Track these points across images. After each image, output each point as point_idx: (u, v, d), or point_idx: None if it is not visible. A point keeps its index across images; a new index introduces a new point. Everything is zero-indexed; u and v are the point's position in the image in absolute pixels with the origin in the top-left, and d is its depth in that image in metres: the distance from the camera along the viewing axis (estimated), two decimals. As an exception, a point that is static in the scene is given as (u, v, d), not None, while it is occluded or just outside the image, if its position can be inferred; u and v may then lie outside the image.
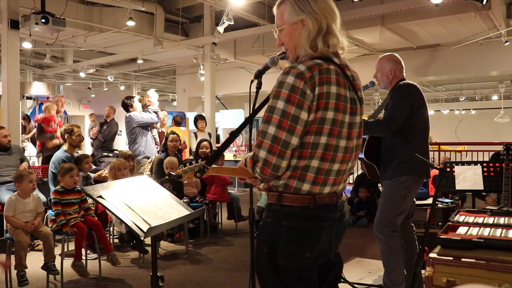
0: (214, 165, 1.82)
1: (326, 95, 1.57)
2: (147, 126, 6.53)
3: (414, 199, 3.36)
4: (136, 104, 6.62)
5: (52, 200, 4.07)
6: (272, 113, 1.57)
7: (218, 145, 8.92)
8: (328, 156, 1.60)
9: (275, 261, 1.63)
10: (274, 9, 1.75)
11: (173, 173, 1.87)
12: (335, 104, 1.59)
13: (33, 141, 8.32)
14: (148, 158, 6.23)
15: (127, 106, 6.55)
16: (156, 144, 6.82)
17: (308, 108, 1.55)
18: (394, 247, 3.11)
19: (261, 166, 1.61)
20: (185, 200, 5.18)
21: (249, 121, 1.96)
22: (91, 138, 9.20)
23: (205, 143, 6.19)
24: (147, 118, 6.46)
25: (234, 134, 1.91)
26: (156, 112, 6.97)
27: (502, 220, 2.45)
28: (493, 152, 5.50)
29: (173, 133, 6.09)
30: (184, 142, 7.78)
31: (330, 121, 1.58)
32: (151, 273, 2.30)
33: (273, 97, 1.59)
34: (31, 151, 8.44)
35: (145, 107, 6.86)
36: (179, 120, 8.53)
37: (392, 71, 3.24)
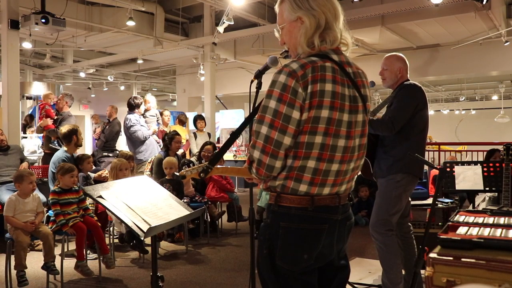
0: (218, 166, 1.82)
1: (320, 93, 1.53)
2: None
3: (410, 199, 3.37)
4: (142, 107, 6.73)
5: (50, 201, 4.07)
6: (264, 113, 1.56)
7: (219, 145, 8.93)
8: (325, 156, 1.56)
9: (274, 262, 1.62)
10: (276, 8, 1.73)
11: (177, 173, 1.88)
12: (330, 102, 1.54)
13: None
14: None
15: (133, 107, 6.58)
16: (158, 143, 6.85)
17: (300, 107, 1.52)
18: (391, 246, 3.11)
19: (256, 167, 1.60)
20: (185, 200, 5.18)
21: (249, 121, 1.95)
22: (95, 139, 9.27)
23: (208, 146, 6.17)
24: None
25: (234, 135, 1.91)
26: (157, 119, 7.06)
27: (502, 220, 2.45)
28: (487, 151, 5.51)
29: (177, 133, 6.05)
30: (187, 141, 7.79)
31: (325, 120, 1.54)
32: (151, 273, 2.30)
33: (266, 97, 1.58)
34: (36, 141, 8.46)
35: (145, 111, 6.92)
36: (183, 119, 8.58)
37: (400, 70, 3.26)
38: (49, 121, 6.73)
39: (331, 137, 1.56)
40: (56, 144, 6.60)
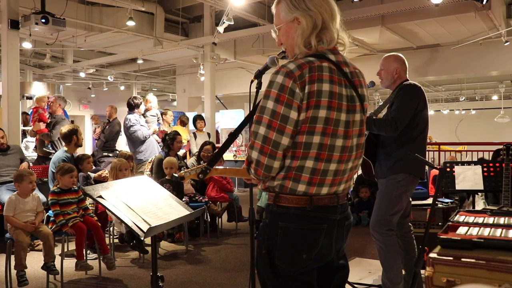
0: (217, 167, 1.82)
1: (318, 93, 1.54)
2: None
3: (410, 199, 3.37)
4: (141, 107, 6.76)
5: (50, 201, 4.07)
6: (262, 113, 1.56)
7: (219, 145, 8.95)
8: (323, 156, 1.57)
9: (273, 262, 1.62)
10: (273, 8, 1.73)
11: (176, 175, 1.88)
12: (327, 102, 1.55)
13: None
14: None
15: (133, 107, 6.60)
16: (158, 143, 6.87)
17: (298, 107, 1.53)
18: (391, 246, 3.11)
19: (254, 167, 1.60)
20: (183, 200, 5.18)
21: (248, 121, 1.95)
22: (95, 139, 9.31)
23: (207, 146, 6.17)
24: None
25: (233, 135, 1.91)
26: (158, 119, 7.09)
27: (502, 220, 2.45)
28: (493, 151, 5.49)
29: (178, 134, 6.05)
30: (188, 142, 7.81)
31: (323, 120, 1.55)
32: (151, 273, 2.30)
33: (263, 97, 1.58)
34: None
35: (145, 111, 6.95)
36: (185, 120, 8.62)
37: (397, 71, 3.25)
38: (42, 125, 6.71)
39: (329, 137, 1.57)
40: (50, 148, 6.59)
